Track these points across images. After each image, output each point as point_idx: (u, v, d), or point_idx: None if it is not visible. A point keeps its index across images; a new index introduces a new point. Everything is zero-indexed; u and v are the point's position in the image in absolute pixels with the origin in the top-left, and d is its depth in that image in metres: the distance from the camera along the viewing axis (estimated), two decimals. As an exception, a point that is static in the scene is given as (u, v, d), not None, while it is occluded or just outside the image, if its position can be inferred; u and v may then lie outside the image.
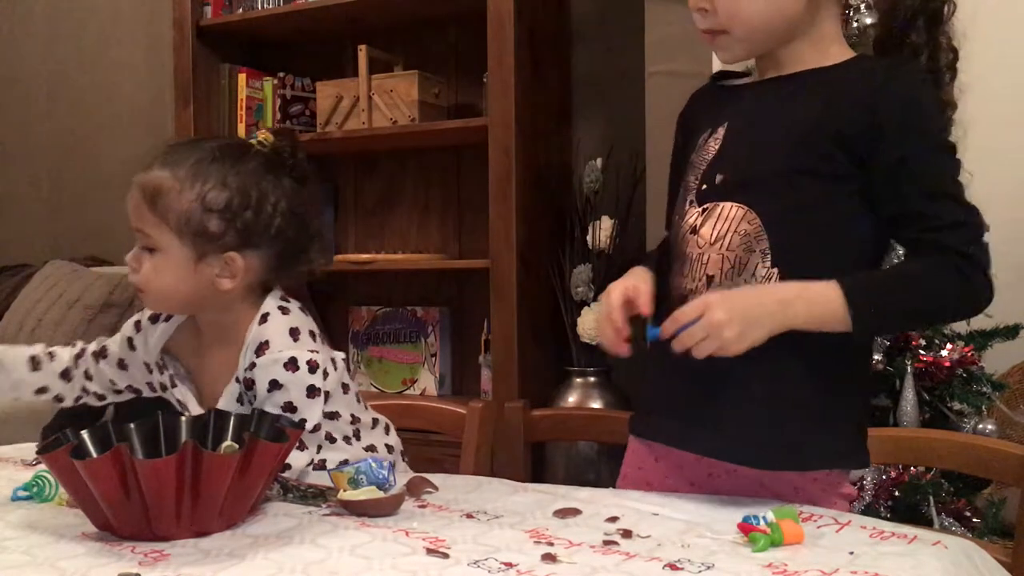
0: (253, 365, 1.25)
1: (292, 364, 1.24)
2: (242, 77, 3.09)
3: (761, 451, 1.18)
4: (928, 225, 1.13)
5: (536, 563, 0.93)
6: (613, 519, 1.08)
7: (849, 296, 1.10)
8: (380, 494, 1.11)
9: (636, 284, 1.19)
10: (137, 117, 3.83)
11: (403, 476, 1.23)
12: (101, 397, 1.46)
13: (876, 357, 2.00)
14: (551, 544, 0.99)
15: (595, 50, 2.92)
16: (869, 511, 1.92)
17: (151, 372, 1.39)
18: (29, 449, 1.40)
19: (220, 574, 0.91)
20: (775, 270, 1.16)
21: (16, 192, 4.18)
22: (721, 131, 1.24)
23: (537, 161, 2.71)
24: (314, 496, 1.18)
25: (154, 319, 1.38)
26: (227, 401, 1.28)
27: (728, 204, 1.20)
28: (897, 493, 1.95)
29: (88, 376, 1.44)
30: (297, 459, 1.25)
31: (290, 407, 1.24)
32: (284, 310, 1.29)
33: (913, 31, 1.21)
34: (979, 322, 2.14)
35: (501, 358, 2.63)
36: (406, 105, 2.82)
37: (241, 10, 3.07)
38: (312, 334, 1.29)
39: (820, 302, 1.11)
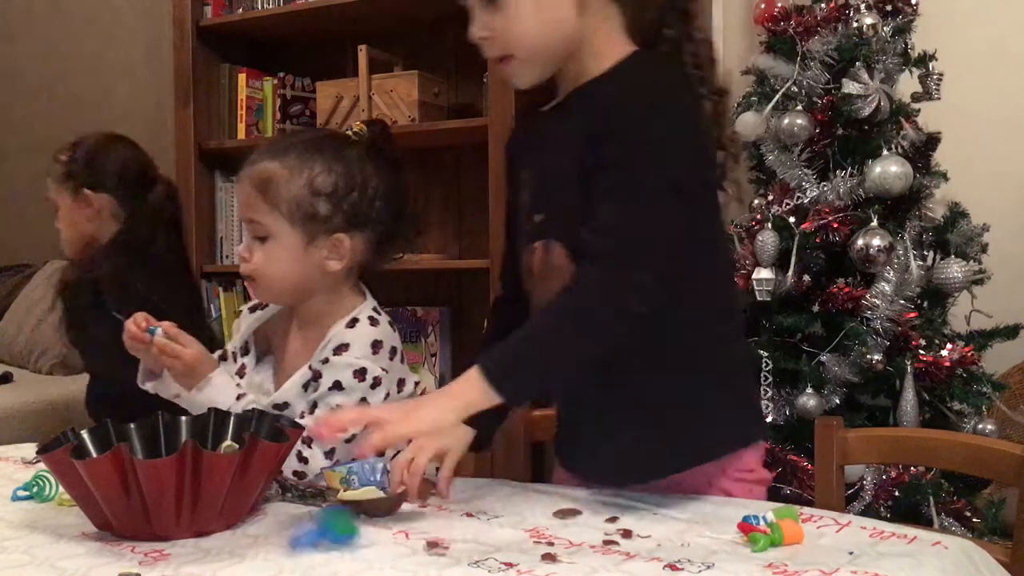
0: (326, 360, 1.28)
1: (361, 374, 1.28)
2: (242, 77, 3.09)
3: (634, 465, 1.19)
4: (592, 225, 1.10)
5: (536, 563, 0.93)
6: (613, 519, 1.08)
7: (485, 373, 1.08)
8: (380, 494, 1.11)
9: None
10: (137, 117, 3.82)
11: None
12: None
13: (876, 357, 2.00)
14: (551, 544, 0.99)
15: (595, 50, 2.91)
16: (869, 511, 1.92)
17: (233, 360, 1.42)
18: (29, 449, 1.40)
19: (220, 574, 0.91)
20: None
21: (16, 192, 4.18)
22: (531, 168, 1.25)
23: (537, 161, 2.71)
24: (313, 496, 1.18)
25: (252, 308, 1.42)
26: (295, 382, 1.32)
27: (544, 241, 1.21)
28: (897, 493, 1.95)
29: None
30: (318, 460, 1.26)
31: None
32: (374, 321, 1.33)
33: (665, 26, 1.19)
34: (979, 322, 2.15)
35: (501, 358, 2.62)
36: (406, 105, 2.82)
37: (241, 10, 3.07)
38: (393, 351, 1.33)
39: (467, 388, 1.09)
